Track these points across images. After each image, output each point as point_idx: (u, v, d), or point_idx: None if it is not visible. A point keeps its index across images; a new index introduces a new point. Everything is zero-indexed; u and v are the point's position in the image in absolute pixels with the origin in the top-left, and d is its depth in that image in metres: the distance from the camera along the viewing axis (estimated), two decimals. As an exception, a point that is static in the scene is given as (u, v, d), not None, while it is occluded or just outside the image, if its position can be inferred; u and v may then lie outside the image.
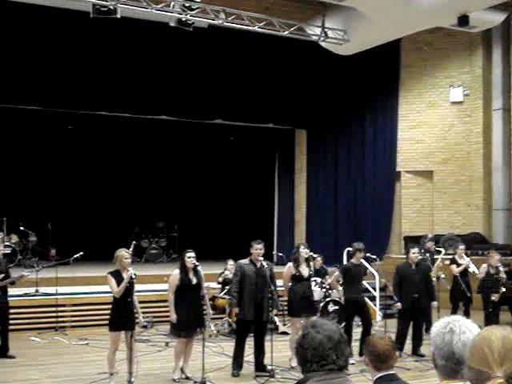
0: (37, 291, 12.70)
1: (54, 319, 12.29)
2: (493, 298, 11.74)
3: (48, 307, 12.38)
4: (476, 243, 16.15)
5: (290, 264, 9.96)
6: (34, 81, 14.62)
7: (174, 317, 8.83)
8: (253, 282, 9.31)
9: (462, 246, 12.89)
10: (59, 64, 14.71)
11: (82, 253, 12.29)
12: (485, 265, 12.25)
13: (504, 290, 11.84)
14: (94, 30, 14.25)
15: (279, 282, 10.17)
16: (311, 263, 10.17)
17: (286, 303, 10.50)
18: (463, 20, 13.52)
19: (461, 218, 17.45)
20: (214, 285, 12.90)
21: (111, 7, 12.21)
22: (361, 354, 10.16)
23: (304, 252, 9.89)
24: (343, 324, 11.47)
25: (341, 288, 10.91)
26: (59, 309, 12.38)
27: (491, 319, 11.40)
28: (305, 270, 9.87)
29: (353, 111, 18.37)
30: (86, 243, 15.10)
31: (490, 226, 17.14)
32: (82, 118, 16.59)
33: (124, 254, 8.50)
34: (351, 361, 9.99)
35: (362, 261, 10.70)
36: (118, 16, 12.36)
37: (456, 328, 2.49)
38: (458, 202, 17.52)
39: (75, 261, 12.70)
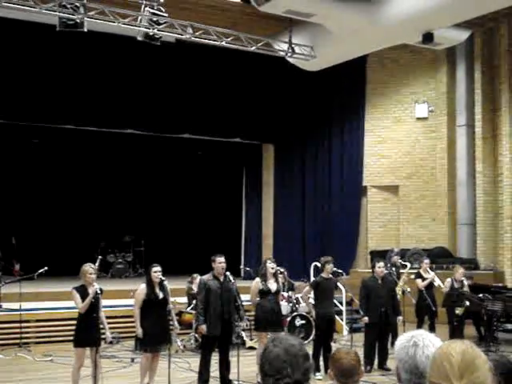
0: (0, 307, 12.49)
1: (18, 335, 12.09)
2: (457, 311, 11.87)
3: (11, 323, 12.17)
4: (441, 257, 16.32)
5: (258, 279, 9.94)
6: (-2, 93, 14.47)
7: (139, 331, 8.75)
8: (218, 298, 9.26)
9: (426, 260, 13.02)
10: (24, 77, 14.58)
11: (46, 268, 12.11)
12: (449, 279, 12.39)
13: (468, 303, 11.97)
14: (61, 44, 14.17)
15: (243, 297, 10.15)
16: (279, 278, 10.16)
17: (253, 318, 10.48)
18: (428, 37, 13.71)
19: (426, 232, 17.62)
20: (180, 299, 12.82)
21: (78, 20, 12.12)
22: (326, 370, 10.19)
23: (271, 267, 9.89)
24: (310, 339, 11.51)
25: (312, 302, 10.89)
26: (23, 324, 12.19)
27: (456, 333, 11.52)
28: (272, 285, 9.86)
29: (320, 126, 18.50)
30: (50, 258, 14.89)
31: (454, 240, 17.32)
32: (47, 131, 16.45)
33: (89, 269, 8.42)
34: (318, 376, 10.02)
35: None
36: (85, 29, 12.27)
37: (420, 342, 2.51)
38: (423, 216, 17.71)
39: (40, 276, 12.51)
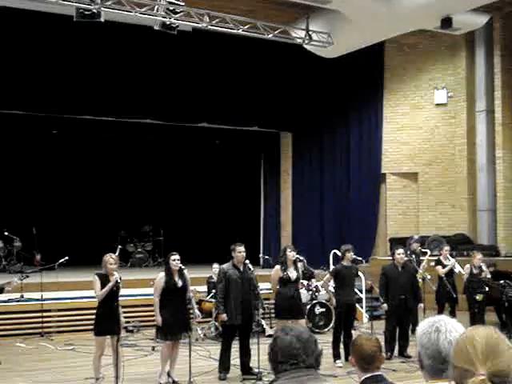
0: (22, 297, 12.60)
1: (40, 325, 12.21)
2: (477, 297, 11.80)
3: (33, 313, 12.28)
4: (461, 244, 16.23)
5: (278, 267, 9.93)
6: (18, 85, 14.54)
7: (159, 320, 8.79)
8: (238, 287, 9.27)
9: (447, 247, 12.94)
10: (43, 68, 14.64)
11: (67, 258, 12.20)
12: (468, 265, 12.31)
13: (487, 289, 11.89)
14: (78, 34, 14.19)
15: (263, 285, 10.17)
16: (298, 265, 10.15)
17: (272, 306, 10.49)
18: (446, 22, 13.60)
19: (446, 219, 17.52)
20: (200, 288, 12.86)
21: (95, 11, 12.16)
22: (346, 358, 10.20)
23: (291, 254, 9.87)
24: (330, 326, 11.53)
25: (332, 290, 10.89)
26: (44, 314, 12.29)
27: (477, 320, 11.45)
28: (292, 273, 9.84)
29: (338, 113, 18.41)
30: (71, 248, 14.99)
31: (474, 226, 17.22)
32: (66, 122, 16.52)
33: (109, 259, 8.47)
34: (338, 363, 10.03)
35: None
36: (102, 20, 12.30)
37: (442, 327, 2.49)
38: (442, 203, 17.60)
39: (60, 266, 12.63)
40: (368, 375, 3.66)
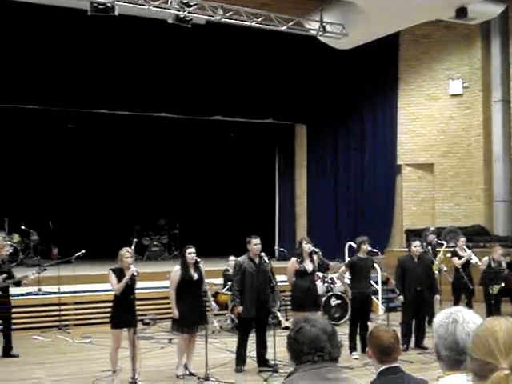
0: (39, 290, 12.69)
1: (57, 318, 12.31)
2: (491, 290, 11.71)
3: (51, 306, 12.39)
4: (477, 235, 16.14)
5: (294, 259, 9.93)
6: (34, 80, 14.61)
7: (176, 313, 8.84)
8: (254, 280, 9.28)
9: (463, 239, 12.87)
10: (58, 62, 14.70)
11: (83, 251, 12.27)
12: (486, 257, 12.23)
13: (503, 284, 11.80)
14: (93, 28, 14.22)
15: (279, 277, 10.17)
16: (314, 258, 10.16)
17: (289, 298, 10.50)
18: (461, 12, 13.49)
19: (462, 210, 17.44)
20: (216, 281, 12.90)
21: (109, 5, 12.18)
22: (363, 350, 10.20)
23: (307, 247, 9.87)
24: (346, 318, 11.53)
25: (348, 282, 10.89)
26: (62, 307, 12.40)
27: (493, 311, 11.40)
28: (308, 265, 9.84)
29: (352, 105, 18.35)
30: (87, 241, 15.05)
31: (491, 217, 17.12)
32: (81, 116, 16.60)
33: (125, 253, 8.52)
34: (355, 355, 10.03)
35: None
36: (116, 13, 12.32)
37: (459, 318, 2.48)
38: (458, 194, 17.51)
39: (77, 259, 12.71)
40: (385, 367, 3.65)
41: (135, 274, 8.42)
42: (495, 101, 17.12)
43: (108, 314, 8.92)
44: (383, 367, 3.65)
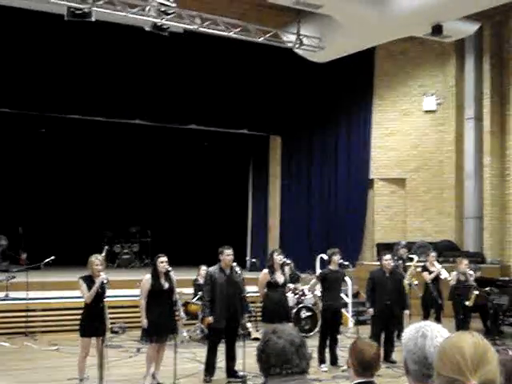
0: (7, 296, 12.53)
1: (24, 324, 12.14)
2: (466, 303, 11.79)
3: (18, 312, 12.21)
4: (447, 250, 16.28)
5: (266, 271, 9.92)
6: (5, 83, 14.45)
7: (144, 322, 8.78)
8: (224, 290, 9.26)
9: (433, 254, 12.98)
10: (32, 66, 14.56)
11: (53, 257, 12.15)
12: (455, 272, 12.34)
13: (477, 292, 11.87)
14: (69, 33, 14.14)
15: (250, 288, 10.15)
16: (286, 269, 10.15)
17: (259, 309, 10.48)
18: (437, 29, 13.65)
19: (432, 225, 17.59)
20: (186, 290, 12.84)
21: (86, 10, 12.13)
22: (332, 363, 10.22)
23: (278, 258, 9.87)
24: (316, 331, 11.52)
25: (319, 294, 10.90)
26: (29, 314, 12.23)
27: (462, 326, 11.48)
28: (280, 277, 9.84)
29: (327, 118, 18.44)
30: (57, 248, 14.92)
31: (461, 233, 17.29)
32: (54, 121, 16.43)
33: (95, 260, 8.45)
34: (324, 367, 10.03)
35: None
36: (93, 19, 12.26)
37: (428, 332, 2.50)
38: (430, 209, 17.67)
39: (46, 265, 12.58)
40: (360, 380, 3.65)
41: (105, 281, 8.35)
42: (468, 118, 17.34)
43: (76, 322, 8.83)
44: (358, 380, 3.65)
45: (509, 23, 16.87)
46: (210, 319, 9.23)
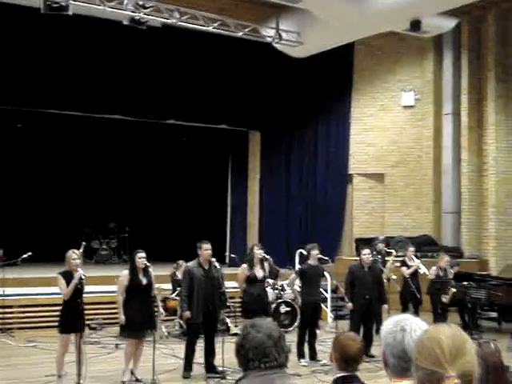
0: (-17, 292, 12.40)
1: (1, 321, 12.03)
2: (443, 299, 11.89)
3: (-6, 308, 12.11)
4: (425, 245, 16.37)
5: (245, 265, 9.92)
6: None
7: (122, 318, 8.72)
8: (202, 286, 9.23)
9: (411, 248, 13.05)
10: (7, 60, 14.36)
11: (30, 253, 12.01)
12: (435, 267, 12.42)
13: (454, 290, 11.98)
14: (46, 27, 13.97)
15: (229, 284, 10.13)
16: (265, 264, 10.15)
17: (238, 304, 10.46)
18: (415, 25, 13.70)
19: (411, 220, 17.67)
20: (165, 286, 12.79)
21: (63, 3, 12.00)
22: (311, 358, 10.23)
23: (258, 253, 9.87)
24: (295, 326, 11.52)
25: (298, 289, 10.91)
26: (6, 310, 12.12)
27: (440, 321, 11.53)
28: (259, 272, 9.84)
29: (306, 113, 18.44)
30: (34, 243, 14.78)
31: (439, 228, 17.39)
32: (31, 115, 16.24)
33: (72, 254, 8.40)
34: (303, 362, 10.04)
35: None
36: (70, 13, 12.14)
37: (407, 326, 2.49)
38: (408, 204, 17.75)
39: (23, 261, 12.43)
40: (343, 374, 3.63)
41: (83, 277, 8.30)
42: (446, 113, 17.43)
43: (53, 318, 8.78)
44: (341, 374, 3.63)
45: (487, 19, 16.97)
46: (188, 314, 9.21)
